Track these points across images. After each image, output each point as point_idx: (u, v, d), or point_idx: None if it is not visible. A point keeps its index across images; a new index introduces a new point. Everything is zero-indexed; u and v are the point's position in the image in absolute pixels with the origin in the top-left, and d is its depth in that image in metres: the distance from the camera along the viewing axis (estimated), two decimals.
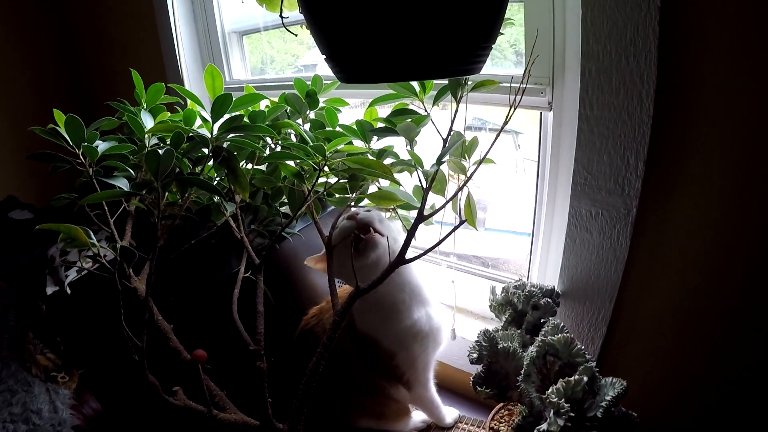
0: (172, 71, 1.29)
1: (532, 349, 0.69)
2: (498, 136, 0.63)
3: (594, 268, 0.80)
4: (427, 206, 0.65)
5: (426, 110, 0.68)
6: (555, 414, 0.60)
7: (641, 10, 0.63)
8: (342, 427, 0.85)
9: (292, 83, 0.78)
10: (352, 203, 0.77)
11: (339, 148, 0.69)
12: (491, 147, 0.63)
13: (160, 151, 0.57)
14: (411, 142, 0.67)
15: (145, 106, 0.74)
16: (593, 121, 0.71)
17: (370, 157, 0.70)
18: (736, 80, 0.62)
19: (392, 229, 0.78)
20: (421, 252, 0.64)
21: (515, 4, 0.80)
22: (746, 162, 0.65)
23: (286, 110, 0.78)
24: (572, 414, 0.59)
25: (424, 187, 0.65)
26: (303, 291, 0.96)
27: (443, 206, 0.66)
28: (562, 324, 0.72)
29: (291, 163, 0.73)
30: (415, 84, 0.67)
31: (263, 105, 0.78)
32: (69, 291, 0.81)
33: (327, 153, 0.67)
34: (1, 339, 0.70)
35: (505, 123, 0.62)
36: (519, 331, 0.76)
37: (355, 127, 0.72)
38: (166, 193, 0.67)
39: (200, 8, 1.27)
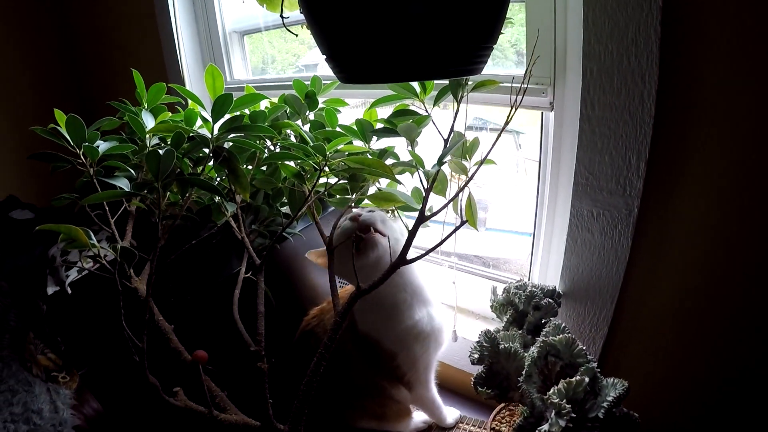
0: (173, 71, 1.29)
1: (533, 350, 0.68)
2: (499, 136, 0.62)
3: (595, 268, 0.79)
4: (427, 207, 0.65)
5: (427, 111, 0.68)
6: (556, 415, 0.60)
7: (643, 10, 0.63)
8: (343, 427, 0.85)
9: (292, 83, 0.78)
10: (353, 204, 0.77)
11: (339, 148, 0.69)
12: (492, 147, 0.63)
13: (161, 151, 0.57)
14: (412, 142, 0.67)
15: (146, 106, 0.74)
16: (595, 121, 0.71)
17: (371, 157, 0.70)
18: (736, 80, 0.62)
19: (394, 229, 0.78)
20: (423, 252, 0.64)
21: (516, 4, 0.80)
22: (746, 162, 0.65)
23: (285, 111, 0.78)
24: (573, 415, 0.59)
25: (426, 187, 0.65)
26: (304, 291, 0.96)
27: (444, 207, 0.66)
28: (563, 324, 0.71)
29: (291, 163, 0.73)
30: (415, 84, 0.66)
31: (263, 105, 0.78)
32: (70, 291, 0.81)
33: (327, 153, 0.67)
34: (2, 339, 0.70)
35: (507, 123, 0.62)
36: (520, 332, 0.76)
37: (355, 127, 0.72)
38: (167, 193, 0.67)
39: (201, 8, 1.27)
